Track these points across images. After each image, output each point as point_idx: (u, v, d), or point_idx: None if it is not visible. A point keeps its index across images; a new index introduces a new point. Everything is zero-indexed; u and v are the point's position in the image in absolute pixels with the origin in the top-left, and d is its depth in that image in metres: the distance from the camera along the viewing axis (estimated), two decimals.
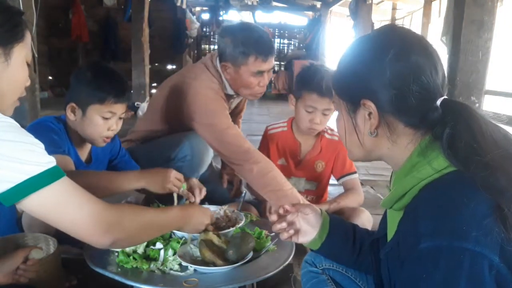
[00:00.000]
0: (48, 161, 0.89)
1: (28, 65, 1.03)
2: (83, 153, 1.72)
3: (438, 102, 0.80)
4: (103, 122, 1.58)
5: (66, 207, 0.91)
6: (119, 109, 1.60)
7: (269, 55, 1.85)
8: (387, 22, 9.28)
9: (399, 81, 0.80)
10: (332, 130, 2.04)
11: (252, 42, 1.82)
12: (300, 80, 1.92)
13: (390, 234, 0.89)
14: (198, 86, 1.88)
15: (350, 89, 0.88)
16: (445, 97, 0.82)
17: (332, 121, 1.91)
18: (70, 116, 1.59)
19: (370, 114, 0.84)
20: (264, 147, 2.08)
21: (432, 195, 0.74)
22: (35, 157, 0.87)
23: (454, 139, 0.75)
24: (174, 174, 1.60)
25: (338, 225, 1.13)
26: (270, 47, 1.89)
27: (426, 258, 0.68)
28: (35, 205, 0.88)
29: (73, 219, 0.92)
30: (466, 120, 0.76)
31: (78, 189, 0.93)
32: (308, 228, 1.10)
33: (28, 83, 1.06)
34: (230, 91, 1.98)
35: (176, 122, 1.99)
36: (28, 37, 1.02)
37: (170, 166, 1.96)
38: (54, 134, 1.56)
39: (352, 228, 1.15)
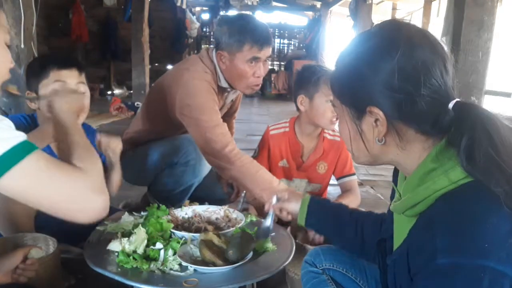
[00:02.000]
0: (16, 136, 0.83)
1: (8, 46, 0.98)
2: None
3: (451, 105, 0.75)
4: None
5: (46, 182, 0.83)
6: (68, 76, 1.51)
7: (264, 44, 1.82)
8: None
9: (408, 86, 0.74)
10: (333, 130, 2.03)
11: (248, 30, 1.80)
12: (311, 76, 1.87)
13: (397, 239, 0.86)
14: (190, 77, 1.85)
15: (354, 95, 0.82)
16: (458, 99, 0.76)
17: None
18: (32, 105, 1.54)
19: (377, 120, 0.79)
20: (264, 147, 2.05)
21: (451, 207, 0.70)
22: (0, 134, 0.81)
23: (472, 148, 0.70)
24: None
25: (319, 208, 1.21)
26: (267, 36, 1.85)
27: (443, 274, 0.65)
28: (10, 185, 0.80)
29: (58, 194, 0.83)
30: (484, 127, 0.71)
31: (54, 162, 0.85)
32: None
33: (12, 65, 1.02)
34: (224, 84, 1.94)
35: (167, 118, 1.95)
36: (2, 19, 0.97)
37: (173, 170, 1.95)
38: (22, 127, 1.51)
39: (339, 209, 1.22)
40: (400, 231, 0.84)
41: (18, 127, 1.50)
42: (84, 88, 1.57)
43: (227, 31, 1.83)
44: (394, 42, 0.76)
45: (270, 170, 1.97)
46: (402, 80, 0.74)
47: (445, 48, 0.79)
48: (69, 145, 0.99)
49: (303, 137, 2.00)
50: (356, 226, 1.15)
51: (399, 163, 0.84)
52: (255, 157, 2.06)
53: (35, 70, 1.53)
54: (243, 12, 11.22)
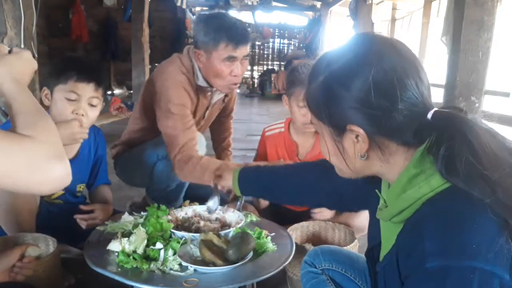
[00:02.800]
0: None
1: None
2: (67, 147, 1.65)
3: (429, 116, 0.76)
4: (67, 104, 1.53)
5: None
6: (84, 90, 1.54)
7: (240, 43, 1.80)
8: (387, 22, 9.28)
9: (385, 102, 0.74)
10: None
11: (224, 28, 1.78)
12: (289, 78, 1.91)
13: (386, 246, 0.86)
14: (164, 78, 1.87)
15: (332, 114, 0.80)
16: (436, 109, 0.77)
17: None
18: (45, 102, 1.58)
19: (358, 137, 0.78)
20: (262, 149, 2.08)
21: (437, 210, 0.71)
22: None
23: (452, 157, 0.70)
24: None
25: (249, 174, 1.32)
26: (243, 35, 1.81)
27: (433, 277, 0.65)
28: None
29: (4, 168, 0.75)
30: (464, 134, 0.71)
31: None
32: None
33: None
34: (202, 83, 1.92)
35: (152, 115, 1.97)
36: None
37: (165, 164, 1.95)
38: None
39: (273, 168, 1.34)
40: (388, 238, 0.84)
41: None
42: (97, 102, 1.59)
43: (203, 29, 1.81)
44: (366, 59, 0.76)
45: None
46: (379, 97, 0.74)
47: (415, 55, 0.79)
48: (14, 112, 0.87)
49: (298, 137, 2.00)
50: (297, 176, 1.25)
51: (383, 174, 0.84)
52: (255, 159, 2.11)
53: (57, 71, 1.56)
54: (244, 15, 11.25)
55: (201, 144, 1.97)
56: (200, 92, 1.95)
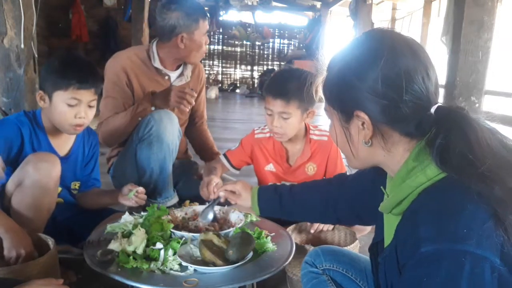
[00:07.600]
0: None
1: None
2: (60, 144, 1.71)
3: (433, 110, 0.80)
4: (68, 109, 1.58)
5: None
6: (84, 95, 1.59)
7: (207, 18, 2.22)
8: (387, 22, 9.29)
9: (392, 92, 0.79)
10: (319, 129, 1.98)
11: (197, 8, 2.18)
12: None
13: (387, 238, 0.89)
14: (106, 67, 2.16)
15: (343, 100, 0.87)
16: (439, 104, 0.81)
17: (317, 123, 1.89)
18: (40, 103, 1.61)
19: (363, 124, 0.84)
20: (246, 145, 2.01)
21: (431, 200, 0.75)
22: None
23: (447, 149, 0.74)
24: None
25: (268, 193, 1.34)
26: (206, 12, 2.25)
27: (427, 261, 0.68)
28: None
29: None
30: (461, 128, 0.76)
31: None
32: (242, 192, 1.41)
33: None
34: (158, 65, 2.18)
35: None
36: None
37: (142, 144, 1.99)
38: (9, 130, 1.56)
39: (292, 187, 1.34)
40: (390, 231, 0.87)
41: (7, 138, 1.51)
42: (94, 103, 1.66)
43: (184, 13, 2.10)
44: (379, 51, 0.81)
45: (257, 174, 2.03)
46: (386, 87, 0.79)
47: (428, 52, 0.83)
48: None
49: (287, 142, 1.95)
50: (317, 193, 1.27)
51: (386, 164, 0.88)
52: (234, 150, 2.05)
53: (55, 75, 1.58)
54: (244, 15, 11.22)
55: (172, 120, 2.02)
56: (158, 74, 2.21)
